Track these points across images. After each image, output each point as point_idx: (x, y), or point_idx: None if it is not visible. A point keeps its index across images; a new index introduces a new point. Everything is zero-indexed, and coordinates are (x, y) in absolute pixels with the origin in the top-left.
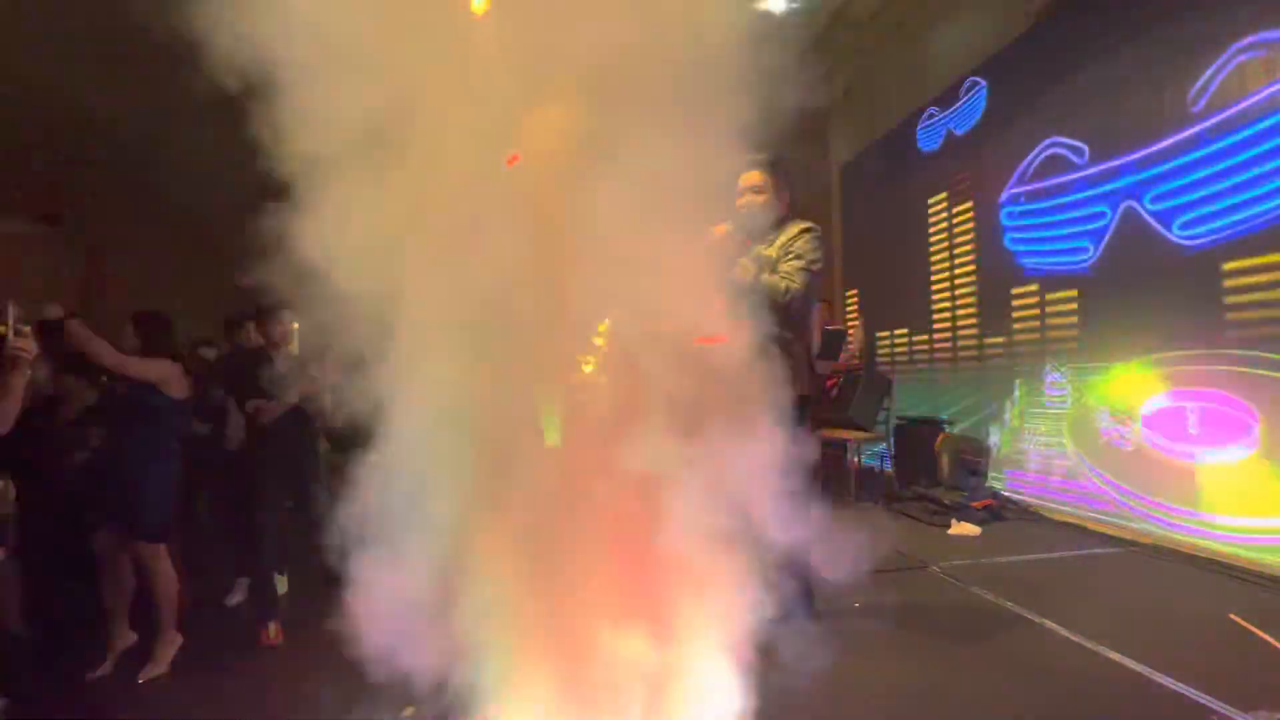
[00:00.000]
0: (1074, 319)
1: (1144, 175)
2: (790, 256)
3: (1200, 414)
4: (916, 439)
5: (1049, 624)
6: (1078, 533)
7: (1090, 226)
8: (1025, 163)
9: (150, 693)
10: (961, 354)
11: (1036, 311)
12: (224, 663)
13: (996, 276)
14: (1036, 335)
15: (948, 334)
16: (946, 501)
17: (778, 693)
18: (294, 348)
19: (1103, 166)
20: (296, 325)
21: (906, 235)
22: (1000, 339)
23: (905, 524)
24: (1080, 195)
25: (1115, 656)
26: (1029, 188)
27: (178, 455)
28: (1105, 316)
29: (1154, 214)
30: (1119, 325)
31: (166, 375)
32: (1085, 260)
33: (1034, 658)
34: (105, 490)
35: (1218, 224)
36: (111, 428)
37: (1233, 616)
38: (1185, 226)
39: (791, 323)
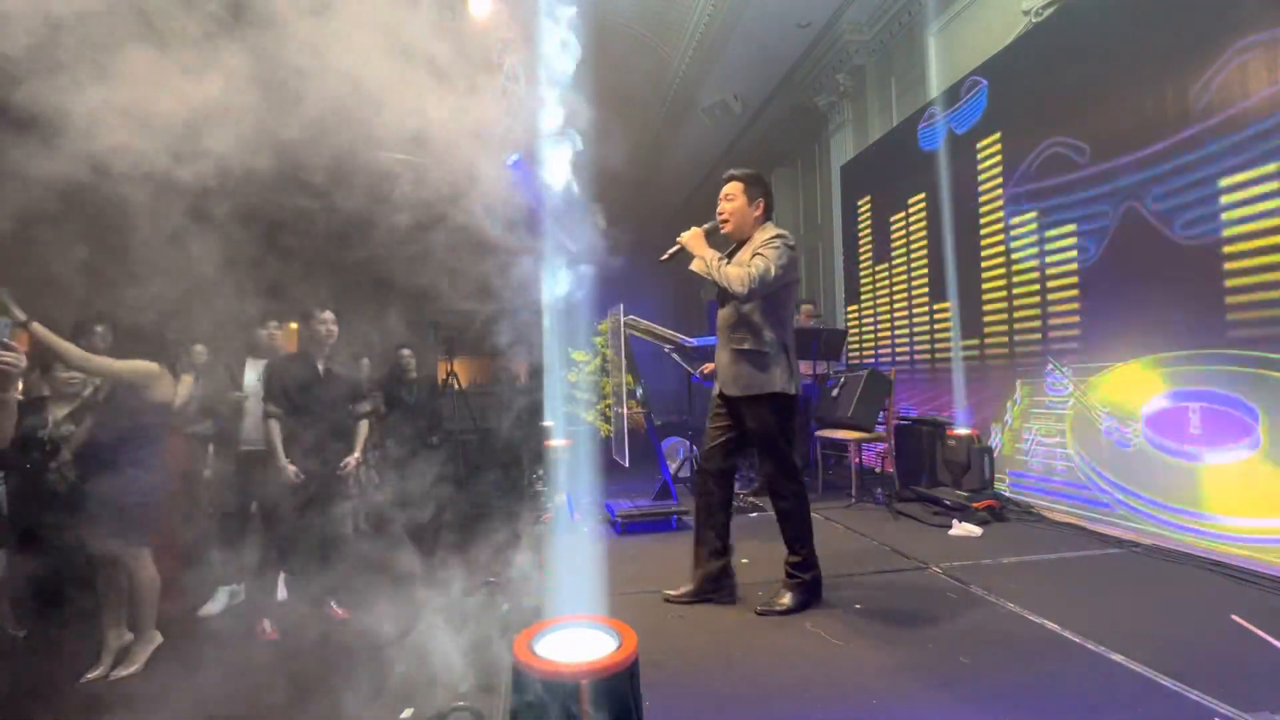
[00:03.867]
0: (1075, 319)
1: (1146, 175)
2: (755, 253)
3: (1202, 414)
4: (917, 439)
5: (1049, 624)
6: (1078, 533)
7: (1091, 227)
8: (1025, 162)
9: (143, 693)
10: (963, 354)
11: (1037, 311)
12: (219, 663)
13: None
14: (1037, 335)
15: (948, 333)
16: (948, 502)
17: (778, 692)
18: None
19: (1104, 166)
20: (295, 326)
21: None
22: (1001, 339)
23: (906, 524)
24: (1082, 195)
25: (1117, 657)
26: (1029, 187)
27: (160, 457)
28: (1106, 316)
29: (1156, 214)
30: (1120, 325)
31: (142, 376)
32: (1087, 260)
33: (1034, 658)
34: (87, 493)
35: (1218, 224)
36: (93, 430)
37: (1234, 617)
38: (1187, 226)
39: (755, 318)
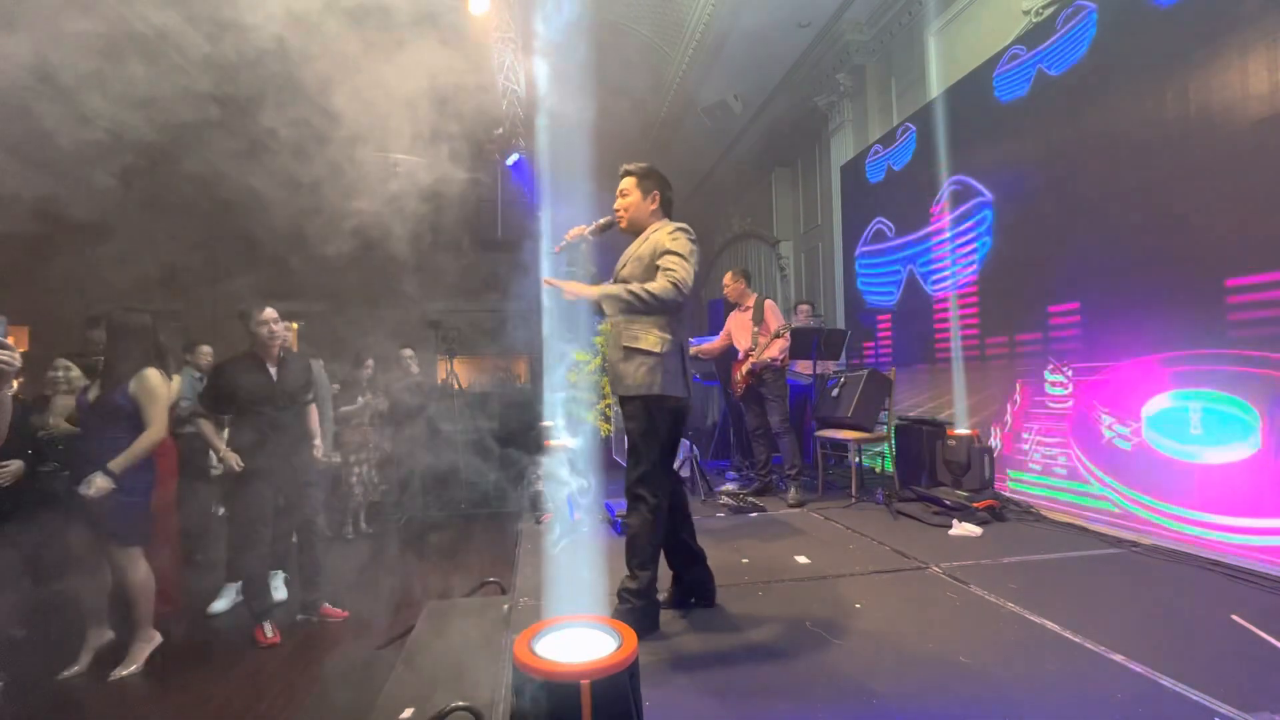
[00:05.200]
0: (1076, 318)
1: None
2: (665, 253)
3: (1202, 414)
4: (917, 439)
5: (1049, 624)
6: (1078, 533)
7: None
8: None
9: (137, 692)
10: (963, 353)
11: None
12: (220, 663)
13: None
14: (1038, 334)
15: (948, 333)
16: (948, 502)
17: (778, 692)
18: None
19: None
20: (295, 326)
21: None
22: (1002, 338)
23: (906, 524)
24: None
25: (1117, 657)
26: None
27: (153, 459)
28: (1107, 316)
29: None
30: (1121, 324)
31: (167, 390)
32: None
33: (1034, 658)
34: (81, 494)
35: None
36: (87, 431)
37: (1234, 618)
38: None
39: (649, 316)
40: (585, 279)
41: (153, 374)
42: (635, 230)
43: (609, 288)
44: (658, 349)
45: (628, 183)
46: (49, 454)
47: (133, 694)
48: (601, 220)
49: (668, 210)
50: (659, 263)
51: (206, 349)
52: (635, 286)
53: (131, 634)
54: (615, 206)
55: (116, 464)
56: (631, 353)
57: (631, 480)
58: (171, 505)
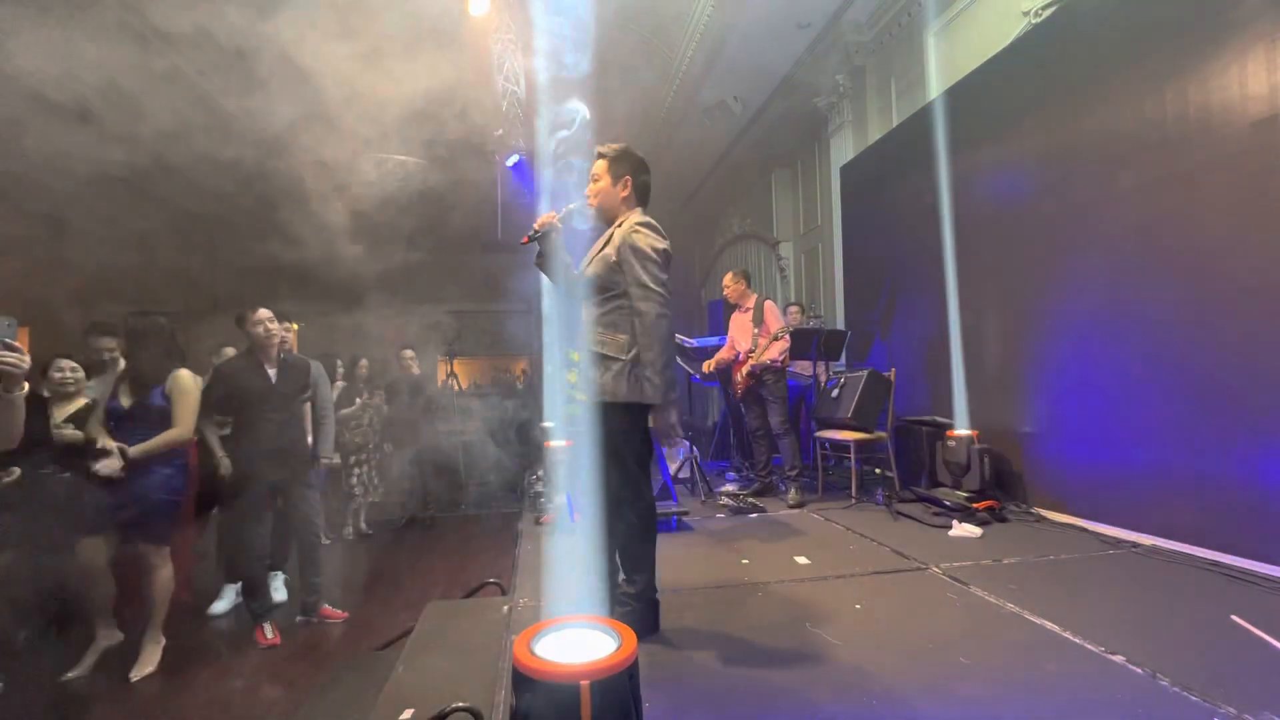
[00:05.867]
0: None
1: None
2: (630, 260)
3: None
4: (917, 439)
5: (1049, 624)
6: (1078, 533)
7: None
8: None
9: (138, 693)
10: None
11: None
12: (220, 664)
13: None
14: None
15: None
16: (948, 503)
17: (778, 692)
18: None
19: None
20: (296, 328)
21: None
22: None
23: (906, 525)
24: None
25: (1117, 658)
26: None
27: (184, 456)
28: None
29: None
30: None
31: (195, 402)
32: None
33: (1034, 658)
34: (109, 493)
35: None
36: (117, 430)
37: (1234, 618)
38: None
39: (615, 319)
40: (558, 269)
41: (185, 374)
42: (606, 218)
43: (658, 398)
44: (625, 353)
45: (599, 166)
46: (58, 458)
47: (133, 695)
48: (571, 205)
49: (642, 197)
50: (635, 304)
51: (231, 351)
52: (648, 370)
53: (146, 634)
54: (585, 192)
55: (138, 449)
56: (600, 357)
57: (612, 487)
58: (191, 506)
